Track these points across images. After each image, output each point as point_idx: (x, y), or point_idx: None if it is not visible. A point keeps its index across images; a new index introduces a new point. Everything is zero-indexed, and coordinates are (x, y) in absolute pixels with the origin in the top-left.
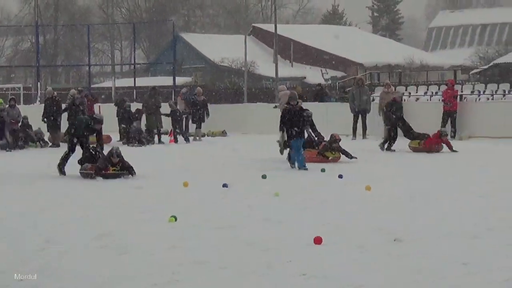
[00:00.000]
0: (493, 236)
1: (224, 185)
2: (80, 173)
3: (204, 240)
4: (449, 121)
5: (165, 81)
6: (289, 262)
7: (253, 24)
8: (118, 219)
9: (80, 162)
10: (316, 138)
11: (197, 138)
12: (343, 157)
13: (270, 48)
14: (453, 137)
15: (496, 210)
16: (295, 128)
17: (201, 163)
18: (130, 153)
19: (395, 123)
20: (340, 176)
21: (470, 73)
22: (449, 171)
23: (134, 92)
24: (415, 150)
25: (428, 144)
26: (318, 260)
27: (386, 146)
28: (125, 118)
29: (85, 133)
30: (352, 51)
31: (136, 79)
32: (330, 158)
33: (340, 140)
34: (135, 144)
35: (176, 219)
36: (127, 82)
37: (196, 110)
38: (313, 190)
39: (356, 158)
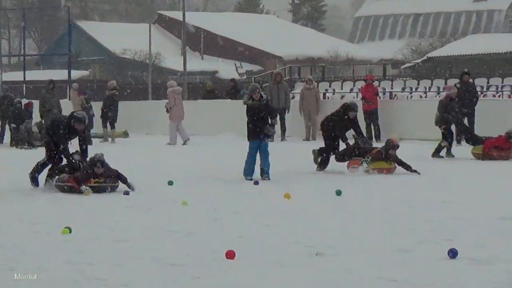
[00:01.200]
0: (424, 250)
1: (126, 193)
2: (56, 185)
3: (103, 254)
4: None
5: (59, 74)
6: (198, 278)
7: (159, 12)
8: (5, 232)
9: (51, 171)
10: (363, 144)
11: (111, 139)
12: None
13: (178, 38)
14: (377, 139)
15: (426, 222)
16: (259, 127)
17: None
18: (19, 157)
19: (450, 125)
20: (256, 183)
21: (401, 67)
22: (376, 179)
23: (24, 87)
24: (479, 157)
25: (486, 147)
26: (230, 276)
27: (444, 152)
28: (15, 116)
29: (66, 136)
30: (270, 43)
31: (26, 72)
32: (385, 170)
33: (398, 146)
34: (25, 146)
35: (70, 231)
36: (16, 75)
37: (105, 107)
38: (225, 199)
39: (419, 173)
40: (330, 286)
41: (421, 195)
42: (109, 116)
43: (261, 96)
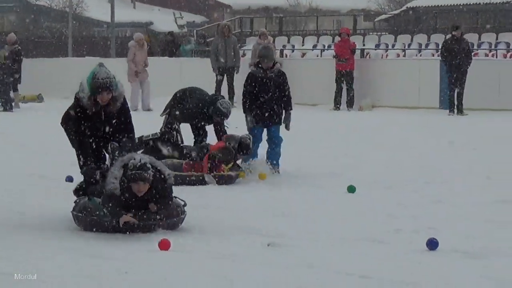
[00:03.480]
0: (402, 240)
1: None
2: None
3: (28, 249)
4: (344, 85)
5: None
6: (125, 273)
7: None
8: None
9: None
10: None
11: (15, 104)
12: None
13: None
14: (349, 106)
15: (406, 207)
16: (264, 108)
17: (7, 145)
18: None
19: None
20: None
21: (375, 20)
22: (343, 151)
23: None
24: None
25: None
26: (164, 271)
27: None
28: None
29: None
30: None
31: None
32: None
33: None
34: None
35: None
36: None
37: (5, 66)
38: None
39: None
40: (287, 283)
41: (400, 175)
42: (13, 77)
43: (273, 65)
